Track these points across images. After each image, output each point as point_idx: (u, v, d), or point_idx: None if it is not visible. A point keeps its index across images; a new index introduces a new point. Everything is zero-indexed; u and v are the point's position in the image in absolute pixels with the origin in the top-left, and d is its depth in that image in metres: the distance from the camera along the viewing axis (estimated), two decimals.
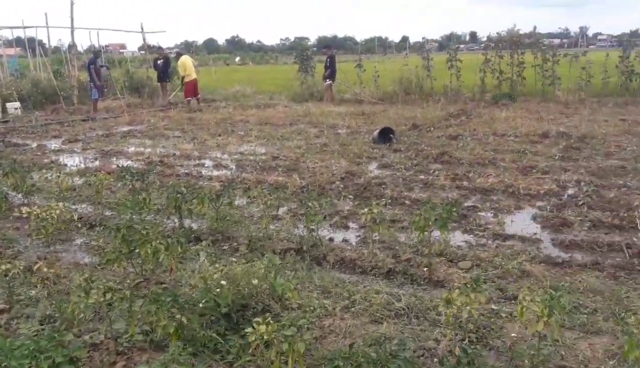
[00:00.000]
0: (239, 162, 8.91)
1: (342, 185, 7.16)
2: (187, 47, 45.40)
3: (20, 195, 6.89)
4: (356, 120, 13.40)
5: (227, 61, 61.47)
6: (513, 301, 3.79)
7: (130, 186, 6.64)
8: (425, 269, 4.39)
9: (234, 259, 4.46)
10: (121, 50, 44.87)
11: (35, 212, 5.23)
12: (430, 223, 4.29)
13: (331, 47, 20.29)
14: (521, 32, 18.34)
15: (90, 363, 3.18)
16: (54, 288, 4.21)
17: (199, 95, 18.26)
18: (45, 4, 25.54)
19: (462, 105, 15.62)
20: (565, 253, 4.82)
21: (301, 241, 5.04)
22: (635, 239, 5.01)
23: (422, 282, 4.27)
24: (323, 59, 19.06)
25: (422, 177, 7.57)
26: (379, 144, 9.89)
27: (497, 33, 19.16)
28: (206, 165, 8.89)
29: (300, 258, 4.76)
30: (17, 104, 16.84)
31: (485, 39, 19.40)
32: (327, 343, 3.37)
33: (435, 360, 3.12)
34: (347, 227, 5.70)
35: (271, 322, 2.90)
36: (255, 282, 3.62)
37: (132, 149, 10.60)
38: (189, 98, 17.74)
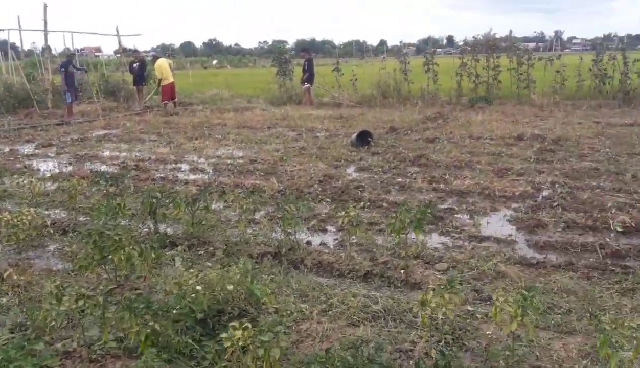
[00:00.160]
0: (216, 166, 8.85)
1: (320, 189, 7.15)
2: (164, 50, 45.06)
3: None
4: (334, 124, 13.41)
5: (204, 64, 60.94)
6: (488, 302, 3.82)
7: (105, 191, 6.54)
8: (402, 271, 4.40)
9: (209, 264, 4.41)
10: (97, 54, 44.39)
11: (5, 218, 5.12)
12: (406, 225, 4.30)
13: (309, 50, 20.29)
14: (497, 36, 18.61)
15: None
16: (25, 295, 4.12)
17: (176, 99, 18.12)
18: (18, 6, 25.13)
19: (439, 109, 15.74)
20: (539, 254, 4.87)
21: (278, 245, 5.01)
22: (608, 240, 5.09)
23: (399, 284, 4.28)
24: (301, 62, 19.07)
25: (400, 179, 7.60)
26: (357, 147, 9.90)
27: (474, 37, 19.42)
28: (182, 169, 8.80)
29: (277, 262, 4.74)
30: None
31: (462, 43, 19.57)
32: (303, 347, 3.36)
33: (412, 362, 3.12)
34: (325, 230, 5.69)
35: (248, 326, 2.88)
36: (230, 287, 3.58)
37: (107, 153, 10.45)
38: (165, 101, 17.59)
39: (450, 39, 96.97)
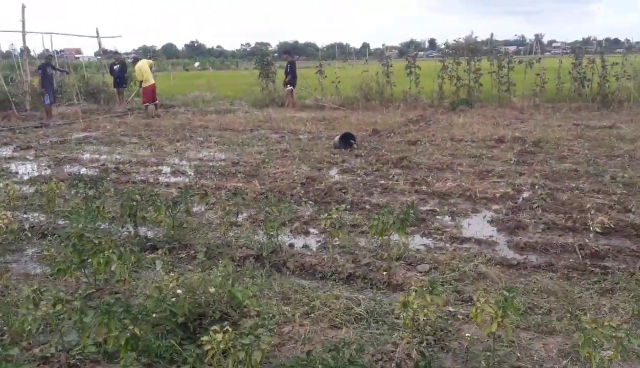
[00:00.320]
0: (198, 168, 8.79)
1: (302, 191, 7.14)
2: (145, 52, 44.68)
3: None
4: (317, 126, 13.42)
5: (186, 66, 60.62)
6: (470, 303, 3.84)
7: (84, 194, 6.44)
8: (384, 273, 4.40)
9: (190, 267, 4.38)
10: (77, 56, 43.86)
11: None
12: (388, 227, 4.31)
13: (292, 52, 20.28)
14: (478, 39, 18.81)
15: None
16: (2, 300, 4.04)
17: (157, 101, 17.96)
18: None
19: (421, 111, 15.86)
20: (520, 255, 4.92)
21: (261, 248, 4.99)
22: (587, 240, 5.15)
23: (381, 286, 4.28)
24: (284, 64, 19.05)
25: (382, 182, 7.62)
26: (340, 150, 9.92)
27: (455, 40, 19.58)
28: (163, 172, 8.72)
29: (259, 265, 4.71)
30: None
31: (443, 46, 19.71)
32: (285, 350, 3.34)
33: (393, 364, 3.12)
34: (307, 233, 5.68)
35: (229, 330, 2.85)
36: (212, 290, 3.55)
37: (87, 156, 10.32)
38: (146, 103, 17.43)
39: (432, 42, 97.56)
